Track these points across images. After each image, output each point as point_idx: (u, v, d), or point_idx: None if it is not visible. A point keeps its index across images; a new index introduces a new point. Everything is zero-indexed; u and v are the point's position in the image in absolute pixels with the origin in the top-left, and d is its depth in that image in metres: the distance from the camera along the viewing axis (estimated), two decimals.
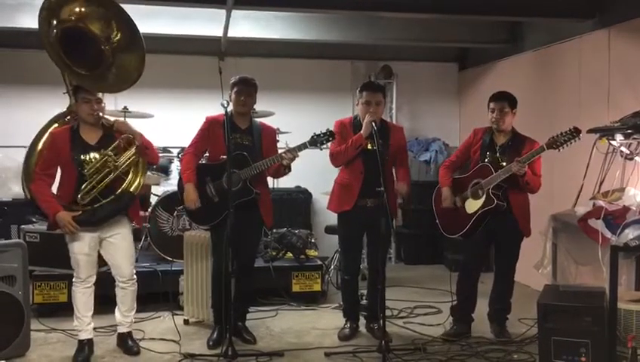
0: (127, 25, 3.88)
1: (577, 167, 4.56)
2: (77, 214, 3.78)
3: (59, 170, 3.91)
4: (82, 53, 3.88)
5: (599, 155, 4.31)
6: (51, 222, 3.83)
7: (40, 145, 4.50)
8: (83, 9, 3.80)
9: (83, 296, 3.94)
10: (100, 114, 3.87)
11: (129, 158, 3.87)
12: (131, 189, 3.89)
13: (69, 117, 4.05)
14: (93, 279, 3.98)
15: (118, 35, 3.87)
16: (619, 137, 4.12)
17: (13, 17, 5.63)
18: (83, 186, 3.79)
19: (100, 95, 3.90)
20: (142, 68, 3.93)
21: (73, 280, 3.98)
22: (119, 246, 3.97)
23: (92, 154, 3.82)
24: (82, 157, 3.81)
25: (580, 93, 5.30)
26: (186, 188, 4.15)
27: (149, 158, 4.01)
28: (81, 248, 3.87)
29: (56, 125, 4.52)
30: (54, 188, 3.92)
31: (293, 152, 4.11)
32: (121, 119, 4.04)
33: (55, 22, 3.78)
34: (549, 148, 4.05)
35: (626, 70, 4.75)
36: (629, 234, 3.66)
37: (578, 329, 3.48)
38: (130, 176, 3.90)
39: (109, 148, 3.83)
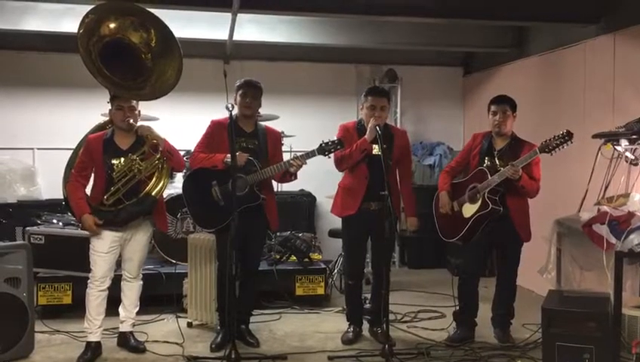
0: (161, 27, 4.02)
1: (582, 172, 4.55)
2: (101, 218, 3.94)
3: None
4: (123, 63, 4.03)
5: (604, 160, 4.30)
6: (82, 213, 3.98)
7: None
8: (119, 22, 3.96)
9: (96, 300, 4.00)
10: (131, 120, 4.01)
11: (153, 163, 4.00)
12: (153, 193, 4.02)
13: (110, 125, 4.24)
14: (108, 282, 4.04)
15: (155, 39, 4.02)
16: (624, 142, 4.12)
17: (19, 20, 5.65)
18: (110, 188, 3.94)
19: (133, 103, 4.04)
20: (179, 74, 4.05)
21: (88, 281, 4.04)
22: (136, 243, 4.10)
23: (122, 159, 3.99)
24: (113, 161, 3.98)
25: (584, 98, 5.29)
26: (220, 159, 4.11)
27: (174, 164, 4.14)
28: (101, 247, 3.98)
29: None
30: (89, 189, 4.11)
31: (301, 160, 4.12)
32: (146, 124, 4.14)
33: (95, 39, 3.93)
34: (542, 152, 4.05)
35: (631, 75, 4.74)
36: (634, 239, 3.65)
37: (582, 335, 3.48)
38: (153, 180, 4.03)
39: (137, 153, 3.99)
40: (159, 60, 4.06)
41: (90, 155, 4.03)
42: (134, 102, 4.06)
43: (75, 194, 4.01)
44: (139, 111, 4.12)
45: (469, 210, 4.29)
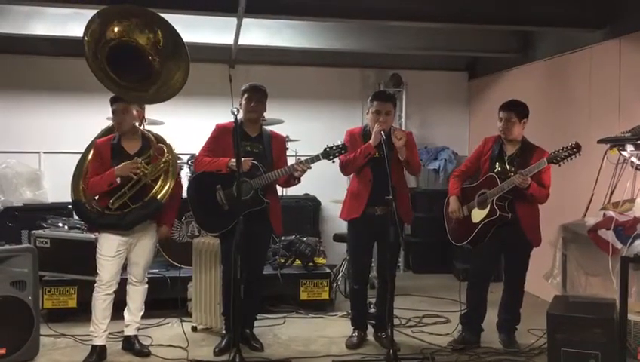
0: (168, 28, 4.01)
1: (588, 178, 4.54)
2: (107, 222, 3.96)
3: None
4: (132, 66, 4.03)
5: (610, 165, 4.29)
6: (113, 181, 3.93)
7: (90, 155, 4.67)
8: (124, 25, 3.96)
9: (103, 303, 4.01)
10: (136, 123, 4.05)
11: (158, 167, 4.02)
12: (158, 197, 4.02)
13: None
14: (115, 286, 4.05)
15: (163, 40, 4.01)
16: (629, 148, 4.11)
17: (26, 24, 5.68)
18: (116, 192, 3.95)
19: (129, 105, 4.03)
20: (186, 78, 4.04)
21: (95, 284, 4.04)
22: (142, 248, 4.11)
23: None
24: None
25: (590, 103, 5.28)
26: (224, 164, 4.14)
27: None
28: (109, 251, 4.00)
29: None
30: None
31: (306, 165, 4.13)
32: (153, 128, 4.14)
33: (101, 43, 3.93)
34: (550, 163, 4.07)
35: (637, 80, 4.73)
36: None
37: (588, 341, 3.47)
38: (159, 183, 4.04)
39: (142, 157, 4.00)
40: (168, 63, 4.03)
41: (101, 160, 4.06)
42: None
43: (94, 178, 3.98)
44: (139, 113, 4.11)
45: (477, 215, 4.30)
